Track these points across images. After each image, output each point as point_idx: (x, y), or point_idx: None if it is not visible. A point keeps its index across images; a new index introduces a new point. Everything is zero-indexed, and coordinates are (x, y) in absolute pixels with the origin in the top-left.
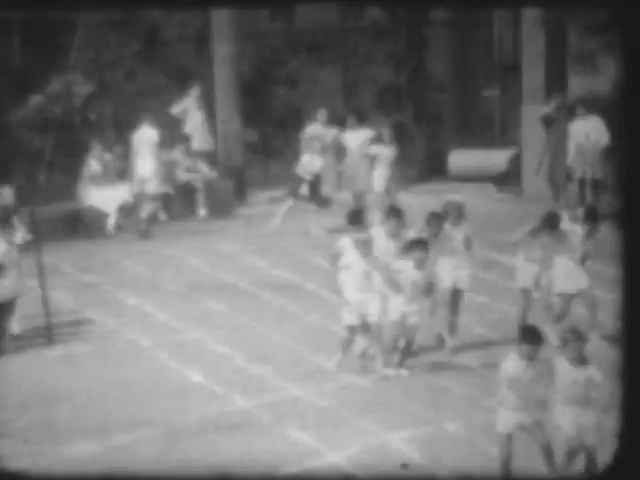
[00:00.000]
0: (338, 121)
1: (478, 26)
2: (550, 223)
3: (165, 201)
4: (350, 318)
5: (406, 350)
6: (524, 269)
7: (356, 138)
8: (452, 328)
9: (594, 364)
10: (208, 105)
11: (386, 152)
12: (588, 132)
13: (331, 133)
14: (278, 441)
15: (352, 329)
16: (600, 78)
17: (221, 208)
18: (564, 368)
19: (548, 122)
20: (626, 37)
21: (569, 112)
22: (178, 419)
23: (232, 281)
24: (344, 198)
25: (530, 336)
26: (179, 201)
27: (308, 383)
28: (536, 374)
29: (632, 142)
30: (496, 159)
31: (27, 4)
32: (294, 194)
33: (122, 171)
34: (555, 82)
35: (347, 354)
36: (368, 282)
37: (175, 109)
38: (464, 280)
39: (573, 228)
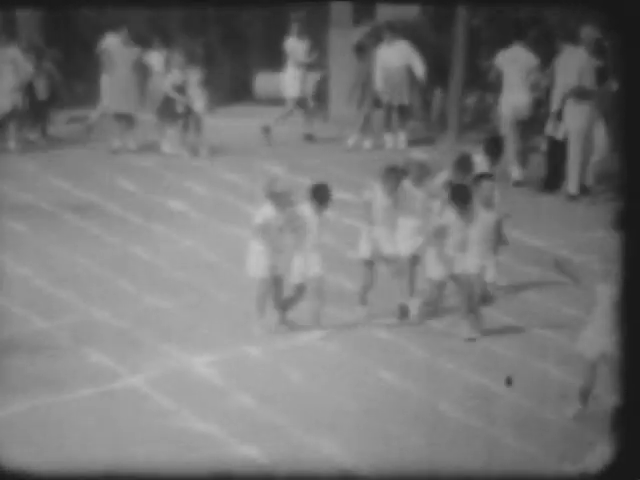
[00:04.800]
0: (142, 40)
1: None
2: (462, 168)
3: None
4: (259, 271)
5: (316, 305)
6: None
7: (161, 57)
8: (410, 294)
9: None
10: (6, 21)
11: (194, 73)
12: (395, 57)
13: (134, 52)
14: (77, 363)
15: (264, 283)
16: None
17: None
18: None
19: (360, 49)
20: (626, 37)
21: (377, 38)
22: None
23: (33, 202)
24: (147, 119)
25: None
26: None
27: (109, 305)
28: None
29: (632, 142)
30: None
31: (28, 3)
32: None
33: None
34: (363, 6)
35: (264, 311)
36: (281, 236)
37: None
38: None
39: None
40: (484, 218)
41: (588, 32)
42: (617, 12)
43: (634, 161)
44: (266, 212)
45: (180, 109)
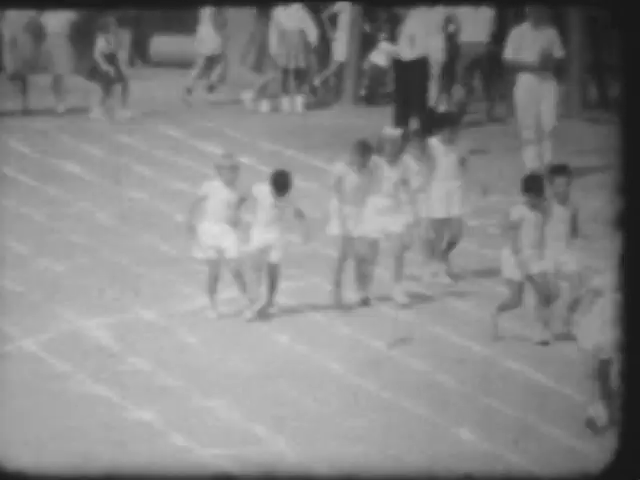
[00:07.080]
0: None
1: None
2: (360, 153)
3: None
4: (202, 252)
5: (271, 288)
6: None
7: (60, 18)
8: (364, 279)
9: None
10: None
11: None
12: (290, 20)
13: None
14: None
15: (212, 264)
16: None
17: None
18: None
19: (258, 13)
20: (627, 38)
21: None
22: None
23: None
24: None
25: None
26: None
27: (0, 268)
28: None
29: (632, 143)
30: None
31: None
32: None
33: None
34: None
35: (214, 293)
36: (228, 212)
37: None
38: (395, 226)
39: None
40: (559, 214)
41: None
42: (618, 11)
43: (634, 160)
44: (213, 184)
45: (111, 74)
